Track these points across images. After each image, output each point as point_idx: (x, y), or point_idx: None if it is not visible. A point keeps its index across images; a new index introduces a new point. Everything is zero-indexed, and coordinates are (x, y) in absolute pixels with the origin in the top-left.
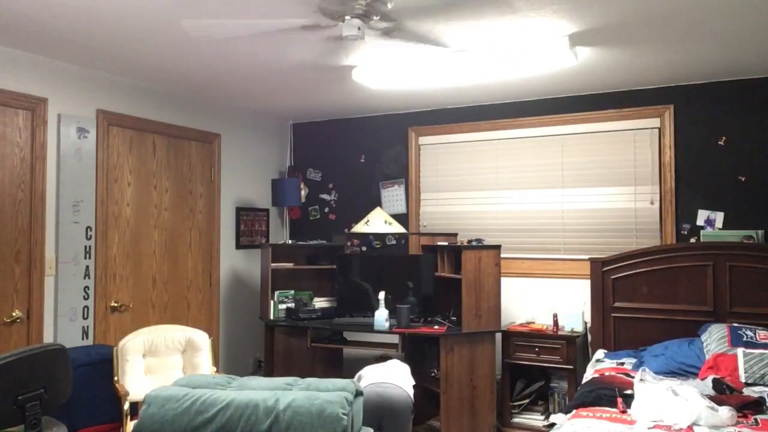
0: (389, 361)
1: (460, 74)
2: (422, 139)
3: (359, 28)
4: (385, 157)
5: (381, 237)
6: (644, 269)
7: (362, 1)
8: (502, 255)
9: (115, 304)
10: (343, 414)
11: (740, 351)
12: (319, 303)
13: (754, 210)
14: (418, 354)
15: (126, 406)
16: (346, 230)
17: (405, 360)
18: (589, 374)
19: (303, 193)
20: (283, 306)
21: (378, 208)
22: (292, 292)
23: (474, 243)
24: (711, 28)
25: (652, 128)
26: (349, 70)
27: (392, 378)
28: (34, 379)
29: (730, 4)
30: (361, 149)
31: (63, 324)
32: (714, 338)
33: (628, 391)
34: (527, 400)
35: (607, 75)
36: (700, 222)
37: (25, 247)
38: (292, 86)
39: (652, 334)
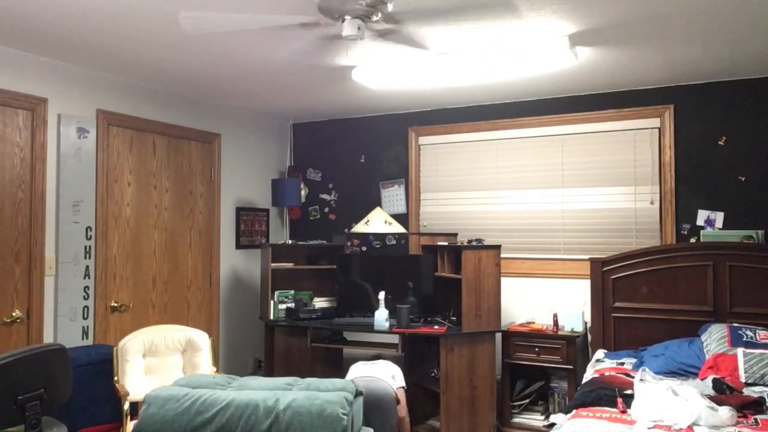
0: (379, 361)
1: (460, 74)
2: (422, 139)
3: (359, 28)
4: (385, 157)
5: (381, 237)
6: (644, 269)
7: (362, 1)
8: (502, 255)
9: (115, 304)
10: (343, 414)
11: (740, 351)
12: (319, 303)
13: (754, 210)
14: (418, 354)
15: (126, 406)
16: (346, 230)
17: (405, 360)
18: (589, 374)
19: (303, 193)
20: (283, 306)
21: (378, 208)
22: (292, 292)
23: (474, 243)
24: (711, 28)
25: (652, 128)
26: (349, 70)
27: (378, 374)
28: (34, 379)
29: (730, 4)
30: (361, 149)
31: (63, 324)
32: (714, 338)
33: (628, 391)
34: (527, 400)
35: (607, 75)
36: (700, 222)
37: (25, 247)
38: (292, 86)
39: (652, 334)
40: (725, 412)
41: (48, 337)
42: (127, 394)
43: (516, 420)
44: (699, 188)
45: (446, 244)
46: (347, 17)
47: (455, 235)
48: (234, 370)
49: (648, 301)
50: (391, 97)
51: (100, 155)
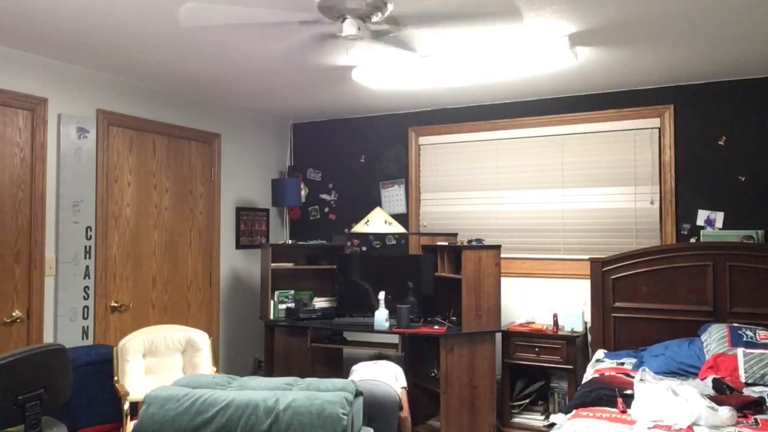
0: (381, 361)
1: (460, 75)
2: (422, 139)
3: (359, 28)
4: (385, 157)
5: (381, 237)
6: (644, 269)
7: (362, 1)
8: (502, 255)
9: (115, 304)
10: (343, 414)
11: (740, 351)
12: (319, 303)
13: (754, 210)
14: (418, 354)
15: (126, 406)
16: (346, 230)
17: (405, 360)
18: (589, 374)
19: (303, 193)
20: (283, 306)
21: (378, 208)
22: (292, 292)
23: (474, 243)
24: (711, 28)
25: (652, 128)
26: (349, 70)
27: (382, 376)
28: (34, 379)
29: (731, 4)
30: (361, 149)
31: (63, 324)
32: (714, 338)
33: (628, 391)
34: (527, 400)
35: (607, 75)
36: (700, 222)
37: (25, 247)
38: (292, 86)
39: (652, 334)
40: (725, 412)
41: (48, 337)
42: (127, 394)
43: (516, 420)
44: (699, 188)
45: (446, 244)
46: (347, 17)
47: (455, 235)
48: (234, 370)
49: (648, 301)
50: (391, 97)
51: (100, 155)
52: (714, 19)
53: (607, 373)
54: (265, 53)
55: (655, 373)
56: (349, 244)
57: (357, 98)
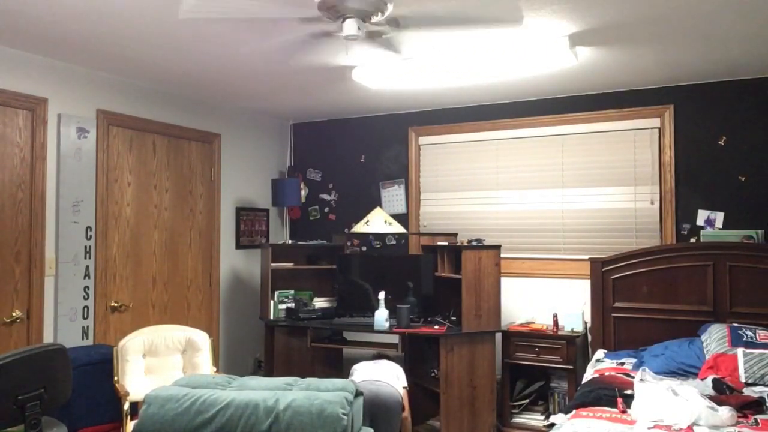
0: (382, 361)
1: (460, 75)
2: (422, 139)
3: (359, 28)
4: (385, 157)
5: (381, 237)
6: (644, 269)
7: (363, 1)
8: (502, 255)
9: (115, 304)
10: (343, 414)
11: (740, 351)
12: (319, 303)
13: (754, 210)
14: (418, 354)
15: (126, 406)
16: (346, 230)
17: (405, 360)
18: (589, 374)
19: (303, 193)
20: (283, 306)
21: (378, 208)
22: (292, 292)
23: (474, 243)
24: (711, 28)
25: (652, 128)
26: (349, 70)
27: (384, 376)
28: (34, 379)
29: (730, 4)
30: (361, 149)
31: (63, 324)
32: (714, 338)
33: (628, 391)
34: (527, 400)
35: (607, 75)
36: (700, 222)
37: (25, 247)
38: (292, 86)
39: (652, 334)
40: (725, 412)
41: (48, 337)
42: (127, 394)
43: (516, 420)
44: (699, 188)
45: (446, 244)
46: (347, 17)
47: (455, 235)
48: (234, 370)
49: (648, 301)
50: (391, 97)
51: (100, 155)
52: (714, 19)
53: (607, 373)
54: (266, 53)
55: (655, 373)
56: (349, 244)
57: (357, 98)
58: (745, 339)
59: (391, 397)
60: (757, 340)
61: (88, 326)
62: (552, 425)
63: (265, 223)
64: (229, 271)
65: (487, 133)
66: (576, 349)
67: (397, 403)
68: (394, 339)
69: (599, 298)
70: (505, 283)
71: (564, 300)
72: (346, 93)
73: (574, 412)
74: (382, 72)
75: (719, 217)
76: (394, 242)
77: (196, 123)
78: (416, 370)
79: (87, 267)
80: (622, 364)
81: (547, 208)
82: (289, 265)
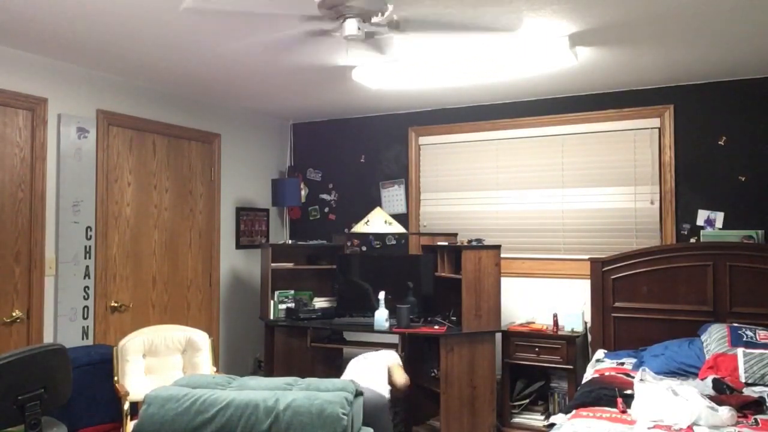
0: (371, 354)
1: (460, 75)
2: (422, 139)
3: (359, 28)
4: (385, 157)
5: (381, 237)
6: (644, 269)
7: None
8: (502, 255)
9: (115, 304)
10: (343, 414)
11: (740, 351)
12: (319, 303)
13: (754, 210)
14: (418, 354)
15: (126, 406)
16: (346, 230)
17: (405, 360)
18: (589, 374)
19: (303, 193)
20: (283, 306)
21: (378, 208)
22: (292, 292)
23: (474, 243)
24: (711, 28)
25: (652, 128)
26: (349, 70)
27: (371, 375)
28: (34, 379)
29: (730, 4)
30: (361, 149)
31: (63, 324)
32: (714, 338)
33: (628, 391)
34: (527, 400)
35: (607, 75)
36: (700, 222)
37: (25, 247)
38: (292, 86)
39: (652, 334)
40: (725, 412)
41: (48, 337)
42: (127, 394)
43: (516, 420)
44: (699, 188)
45: (446, 244)
46: (348, 17)
47: (455, 235)
48: (234, 370)
49: (648, 301)
50: (391, 97)
51: (100, 155)
52: (714, 19)
53: (607, 373)
54: (266, 53)
55: (655, 373)
56: (349, 244)
57: (357, 98)
58: (745, 339)
59: (374, 399)
60: (757, 340)
61: (88, 326)
62: (552, 425)
63: (265, 223)
64: (229, 271)
65: (487, 133)
66: (576, 349)
67: (383, 403)
68: (394, 339)
69: (599, 298)
70: (505, 283)
71: (564, 300)
72: (346, 93)
73: (574, 412)
74: (382, 72)
75: (719, 217)
76: (394, 242)
77: (196, 123)
78: (416, 370)
79: (87, 267)
80: (622, 364)
81: (547, 208)
82: (289, 265)
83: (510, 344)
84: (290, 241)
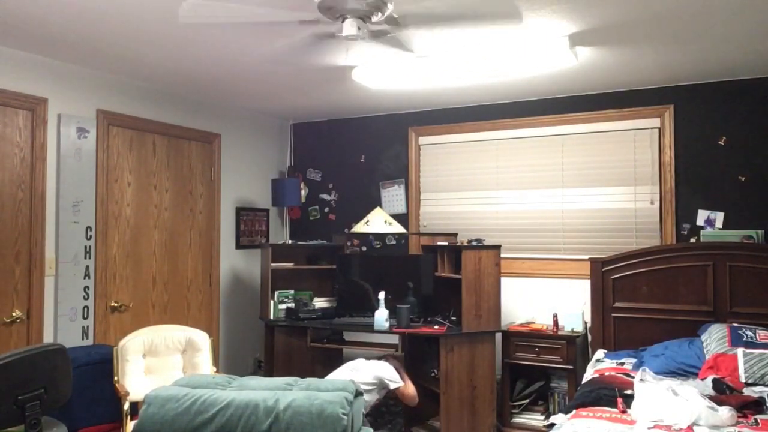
0: (362, 366)
1: (460, 75)
2: (422, 139)
3: (359, 28)
4: (385, 157)
5: (381, 237)
6: (644, 269)
7: (362, 1)
8: (502, 255)
9: (115, 304)
10: (343, 414)
11: (740, 351)
12: (319, 303)
13: (754, 210)
14: (418, 354)
15: (126, 406)
16: (346, 230)
17: (405, 360)
18: (589, 374)
19: (303, 193)
20: (283, 306)
21: (378, 208)
22: (292, 292)
23: (474, 243)
24: (711, 28)
25: (652, 128)
26: (349, 70)
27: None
28: (34, 379)
29: (730, 4)
30: (361, 149)
31: (63, 324)
32: (714, 338)
33: (628, 391)
34: (527, 400)
35: (607, 75)
36: (700, 222)
37: (25, 247)
38: (292, 86)
39: (652, 334)
40: (725, 412)
41: (48, 337)
42: (127, 394)
43: (516, 420)
44: (699, 188)
45: (446, 244)
46: (347, 17)
47: (455, 235)
48: (234, 370)
49: (648, 301)
50: (391, 97)
51: (100, 155)
52: (714, 19)
53: (607, 373)
54: (265, 53)
55: (655, 373)
56: (349, 244)
57: (357, 98)
58: (745, 339)
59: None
60: (757, 340)
61: (88, 326)
62: (552, 425)
63: (265, 223)
64: (229, 271)
65: (487, 133)
66: (576, 349)
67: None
68: (394, 339)
69: (599, 298)
70: (505, 283)
71: (564, 300)
72: (346, 93)
73: (574, 412)
74: (382, 72)
75: (719, 217)
76: (394, 242)
77: (196, 123)
78: (416, 370)
79: (87, 267)
80: (622, 364)
81: (547, 208)
82: (289, 265)
83: (510, 344)
84: (290, 241)
